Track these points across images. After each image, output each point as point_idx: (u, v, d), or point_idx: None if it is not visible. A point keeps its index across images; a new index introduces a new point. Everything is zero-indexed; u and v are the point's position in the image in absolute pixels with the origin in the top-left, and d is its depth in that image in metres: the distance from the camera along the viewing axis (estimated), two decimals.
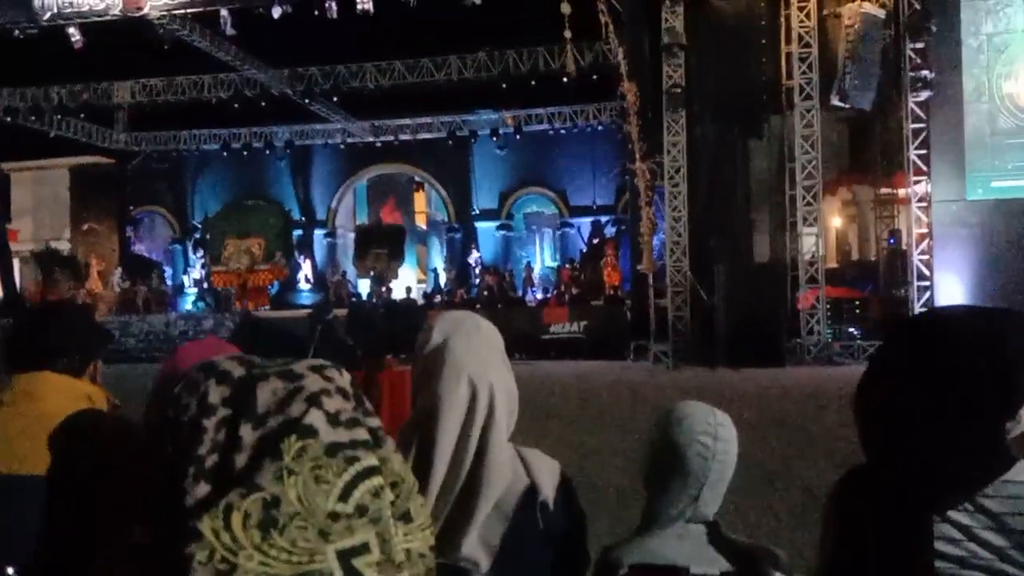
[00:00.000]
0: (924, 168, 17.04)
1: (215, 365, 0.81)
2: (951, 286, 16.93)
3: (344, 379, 0.81)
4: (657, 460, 1.72)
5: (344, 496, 0.74)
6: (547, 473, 1.51)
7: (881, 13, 16.94)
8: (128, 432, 1.78)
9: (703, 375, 14.96)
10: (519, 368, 1.51)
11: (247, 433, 0.74)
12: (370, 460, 0.77)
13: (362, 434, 0.78)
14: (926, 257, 16.97)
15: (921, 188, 17.15)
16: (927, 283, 16.84)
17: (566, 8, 17.87)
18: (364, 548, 0.74)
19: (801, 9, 17.26)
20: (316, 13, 20.26)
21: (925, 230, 17.10)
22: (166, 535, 0.74)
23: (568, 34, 18.26)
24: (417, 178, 30.24)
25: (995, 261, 16.81)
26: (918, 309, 16.60)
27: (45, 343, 1.98)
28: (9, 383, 1.94)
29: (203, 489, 0.73)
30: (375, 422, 0.81)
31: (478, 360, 1.44)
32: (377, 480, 0.76)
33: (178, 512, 0.73)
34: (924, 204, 17.14)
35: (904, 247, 17.93)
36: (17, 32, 22.26)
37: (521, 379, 1.52)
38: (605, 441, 8.62)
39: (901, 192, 18.26)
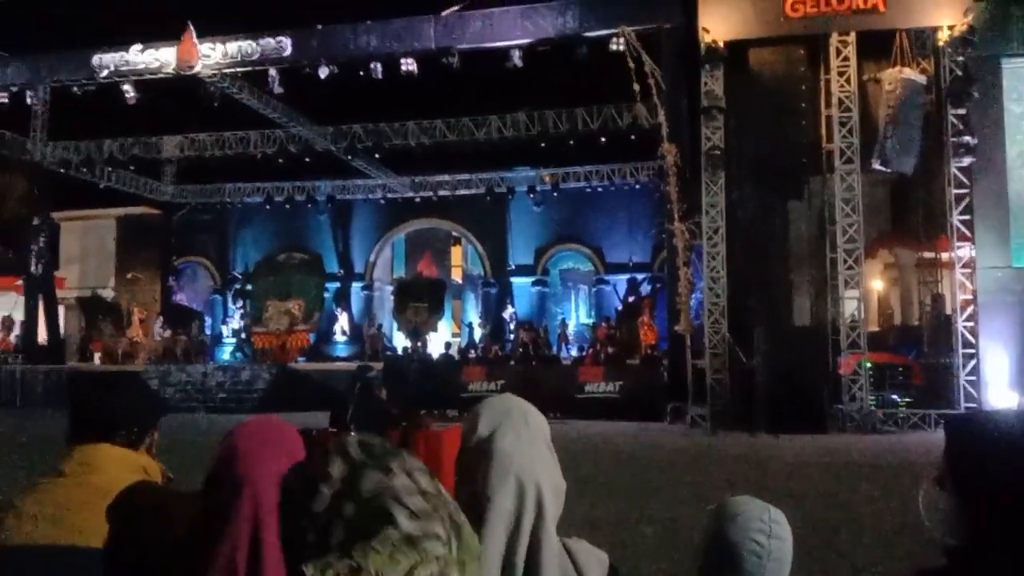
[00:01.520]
0: (968, 234, 16.81)
1: (345, 445, 1.03)
2: (997, 354, 16.55)
3: (428, 482, 1.02)
4: (710, 557, 1.69)
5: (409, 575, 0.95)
6: (595, 570, 1.46)
7: (922, 79, 16.92)
8: (181, 505, 1.79)
9: (742, 440, 14.66)
10: (552, 427, 1.49)
11: (348, 509, 0.97)
12: (436, 550, 0.96)
13: (435, 527, 0.98)
14: (971, 324, 16.62)
15: (965, 253, 16.87)
16: (972, 351, 16.48)
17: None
18: None
19: (841, 74, 17.29)
20: (361, 74, 20.84)
21: (970, 296, 16.78)
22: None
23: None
24: (455, 233, 30.55)
25: None
26: (963, 378, 16.24)
27: (104, 416, 2.03)
28: (69, 454, 1.98)
29: (312, 537, 0.97)
30: (449, 508, 1.02)
31: (526, 457, 1.36)
32: (434, 567, 0.95)
33: (295, 544, 0.98)
34: (968, 270, 16.87)
35: (948, 312, 17.59)
36: (75, 88, 23.19)
37: (554, 439, 1.46)
38: (641, 510, 8.46)
39: (944, 256, 18.00)
